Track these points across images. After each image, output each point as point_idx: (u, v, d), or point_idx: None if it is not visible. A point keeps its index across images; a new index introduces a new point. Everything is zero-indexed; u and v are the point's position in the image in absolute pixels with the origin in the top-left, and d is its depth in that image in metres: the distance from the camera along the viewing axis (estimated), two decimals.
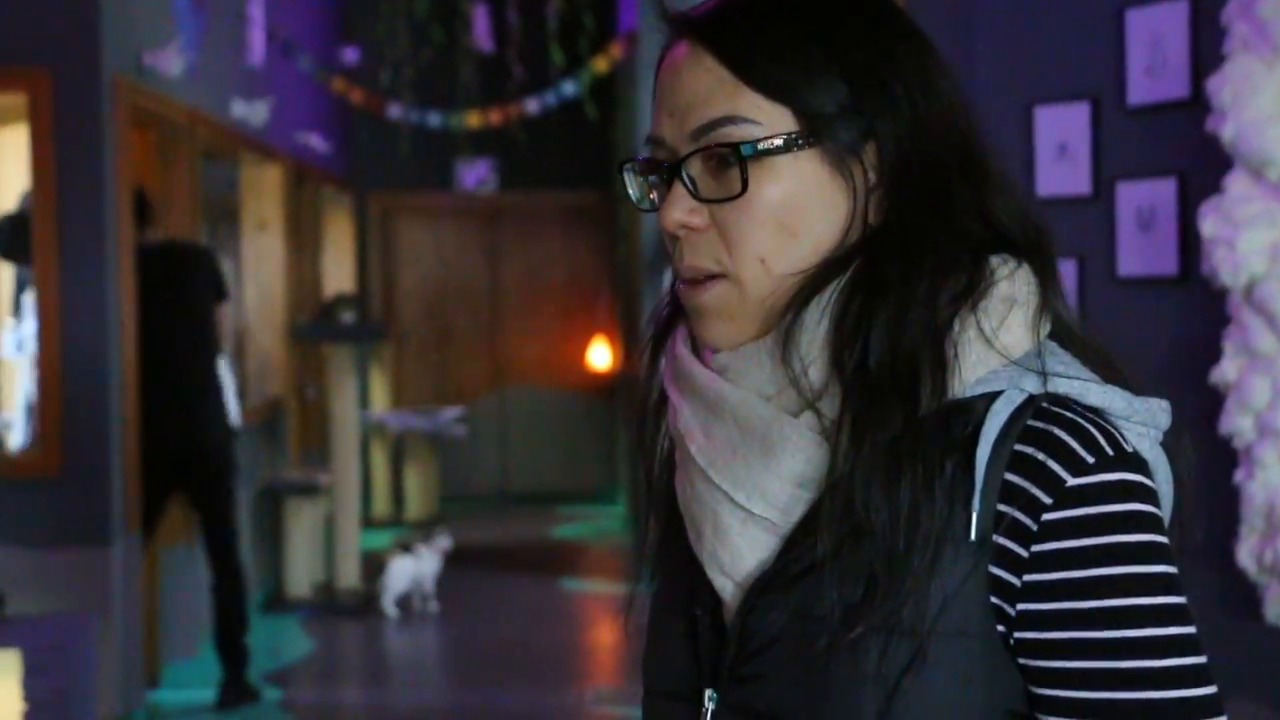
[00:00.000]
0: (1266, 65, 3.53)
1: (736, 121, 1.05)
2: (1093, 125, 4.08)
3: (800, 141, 1.05)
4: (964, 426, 1.03)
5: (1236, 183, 3.58)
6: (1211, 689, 1.00)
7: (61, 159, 5.29)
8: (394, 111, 9.22)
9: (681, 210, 1.07)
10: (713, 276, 1.08)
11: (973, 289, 1.05)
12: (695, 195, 1.07)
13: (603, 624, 7.88)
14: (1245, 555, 3.62)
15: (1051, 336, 1.09)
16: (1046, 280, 1.08)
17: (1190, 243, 3.79)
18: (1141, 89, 3.96)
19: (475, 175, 11.14)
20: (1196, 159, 3.78)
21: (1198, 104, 3.75)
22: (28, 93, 5.28)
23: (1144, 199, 3.94)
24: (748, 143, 1.05)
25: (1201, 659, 1.00)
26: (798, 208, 1.06)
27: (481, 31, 9.40)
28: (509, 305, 11.52)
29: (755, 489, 1.05)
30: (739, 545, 1.07)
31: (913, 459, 1.02)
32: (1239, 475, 3.62)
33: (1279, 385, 3.54)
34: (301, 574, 7.75)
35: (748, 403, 1.07)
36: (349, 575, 7.79)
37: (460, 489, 11.05)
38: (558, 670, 6.73)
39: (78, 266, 5.32)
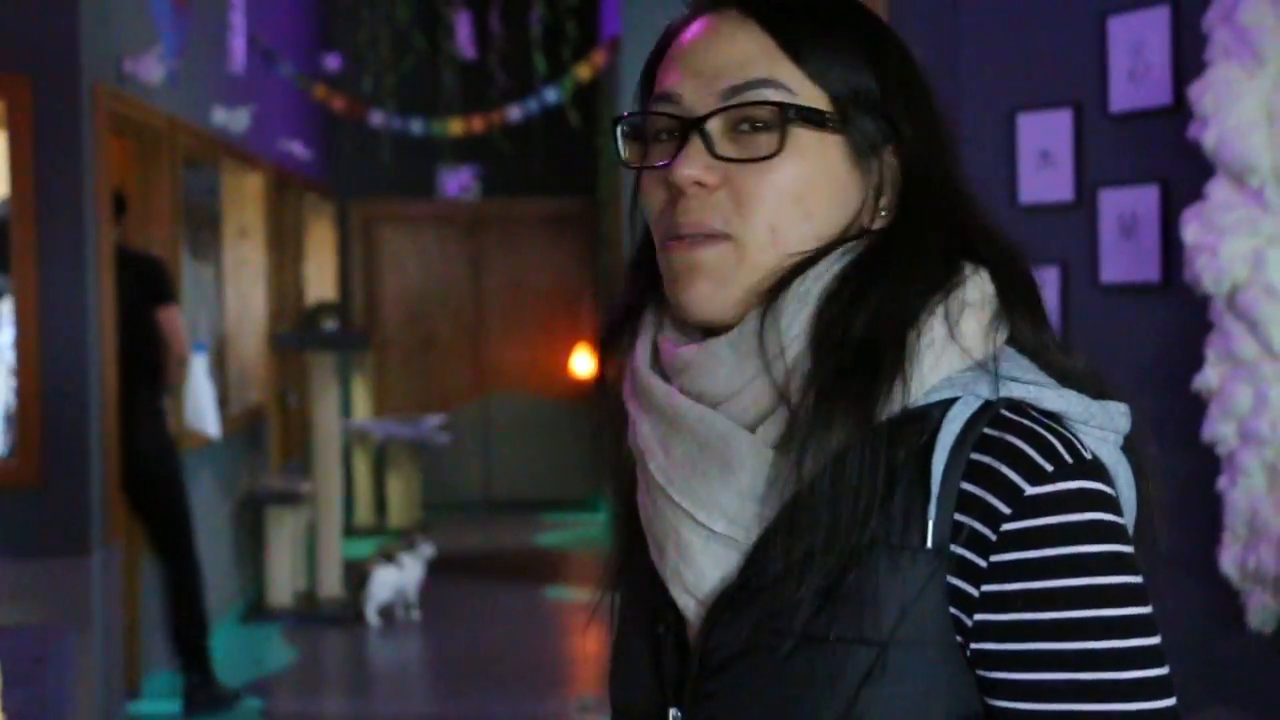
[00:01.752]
0: (1247, 72, 3.53)
1: (776, 86, 1.06)
2: (1075, 132, 4.08)
3: (832, 122, 1.06)
4: (919, 434, 1.02)
5: (1218, 190, 3.58)
6: (1171, 701, 0.99)
7: (41, 167, 5.26)
8: (376, 119, 9.20)
9: (697, 166, 1.07)
10: (714, 236, 1.07)
11: (941, 287, 1.06)
12: (713, 153, 1.07)
13: (586, 632, 7.86)
14: (1228, 563, 3.61)
15: (1009, 342, 1.08)
16: (1006, 289, 1.08)
17: (1172, 250, 3.79)
18: (1124, 96, 3.96)
19: (458, 182, 11.12)
20: (1179, 166, 3.78)
21: (1180, 111, 3.75)
22: (7, 100, 5.25)
23: (1126, 206, 3.94)
24: (790, 105, 1.05)
25: (1163, 670, 0.99)
26: (816, 188, 1.07)
27: (464, 38, 9.39)
28: (492, 312, 11.50)
29: (715, 507, 1.05)
30: (702, 563, 1.06)
31: (867, 467, 1.01)
32: (1221, 482, 3.62)
33: (1261, 392, 3.54)
34: (283, 583, 7.71)
35: (705, 419, 1.06)
36: (331, 584, 7.76)
37: (443, 497, 11.03)
38: (541, 678, 6.71)
39: (57, 275, 5.29)
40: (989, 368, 1.04)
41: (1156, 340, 3.87)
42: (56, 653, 4.70)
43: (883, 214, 1.09)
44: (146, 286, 5.86)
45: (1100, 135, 4.03)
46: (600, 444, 1.19)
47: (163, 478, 5.98)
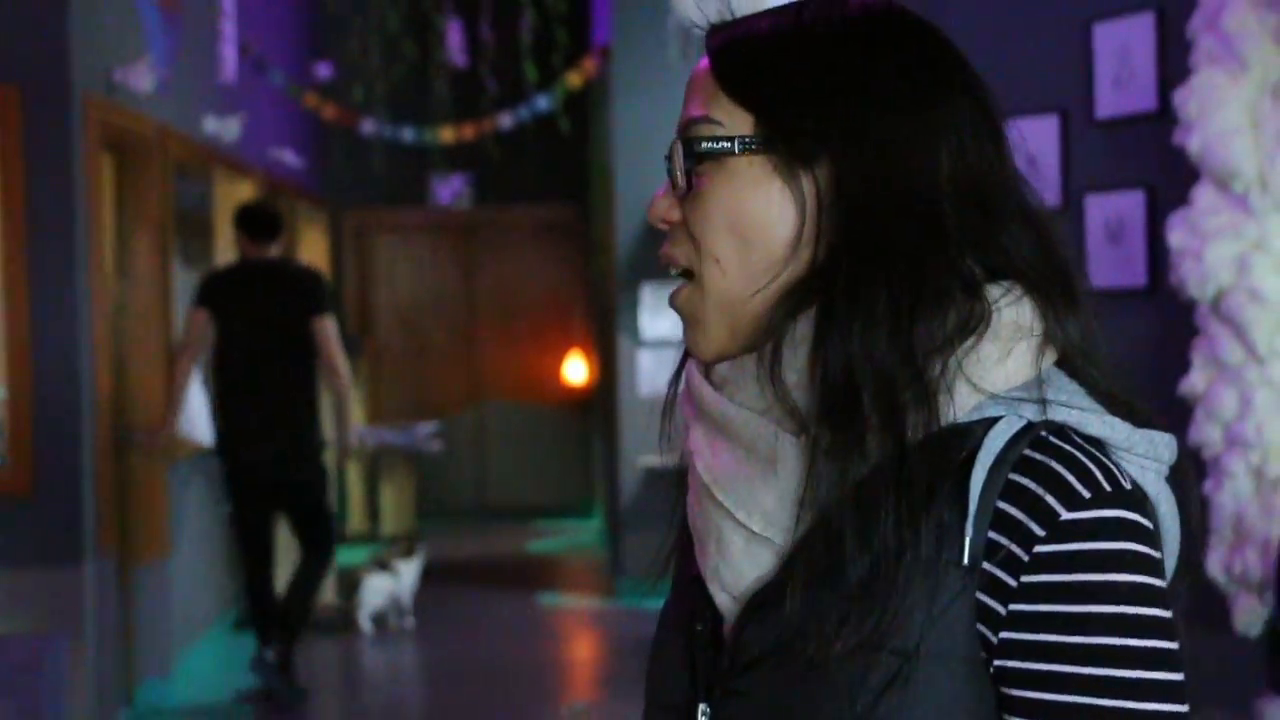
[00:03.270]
0: (1232, 78, 3.55)
1: (707, 121, 1.11)
2: (1061, 138, 4.10)
3: (752, 145, 1.09)
4: (960, 450, 1.04)
5: (1203, 195, 3.60)
6: None
7: (31, 177, 5.27)
8: (367, 127, 9.21)
9: (662, 205, 1.14)
10: (686, 274, 1.13)
11: (964, 327, 1.05)
12: (675, 189, 1.13)
13: (579, 638, 7.86)
14: (1215, 565, 3.63)
15: (1059, 365, 1.09)
16: (1058, 310, 1.09)
17: (1158, 255, 3.81)
18: (1109, 102, 3.98)
19: (449, 190, 11.13)
20: (1164, 171, 3.80)
21: (1165, 117, 3.77)
22: None
23: (1112, 211, 3.96)
24: (703, 139, 1.10)
25: (1183, 708, 1.00)
26: (747, 212, 1.09)
27: (455, 46, 9.40)
28: (484, 320, 11.51)
29: (756, 507, 1.07)
30: (740, 562, 1.09)
31: (898, 486, 1.02)
32: (1208, 486, 3.63)
33: (1246, 396, 3.55)
34: (277, 590, 7.70)
35: (751, 422, 1.08)
36: (324, 591, 7.75)
37: (436, 504, 11.03)
38: (534, 685, 6.71)
39: (48, 285, 5.29)
40: (1035, 390, 1.06)
41: (1142, 345, 3.88)
42: (49, 661, 4.70)
43: (842, 229, 1.08)
44: (305, 299, 6.30)
45: (1086, 141, 4.05)
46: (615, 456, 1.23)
47: (315, 478, 6.37)
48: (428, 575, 7.83)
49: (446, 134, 9.33)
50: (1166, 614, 1.01)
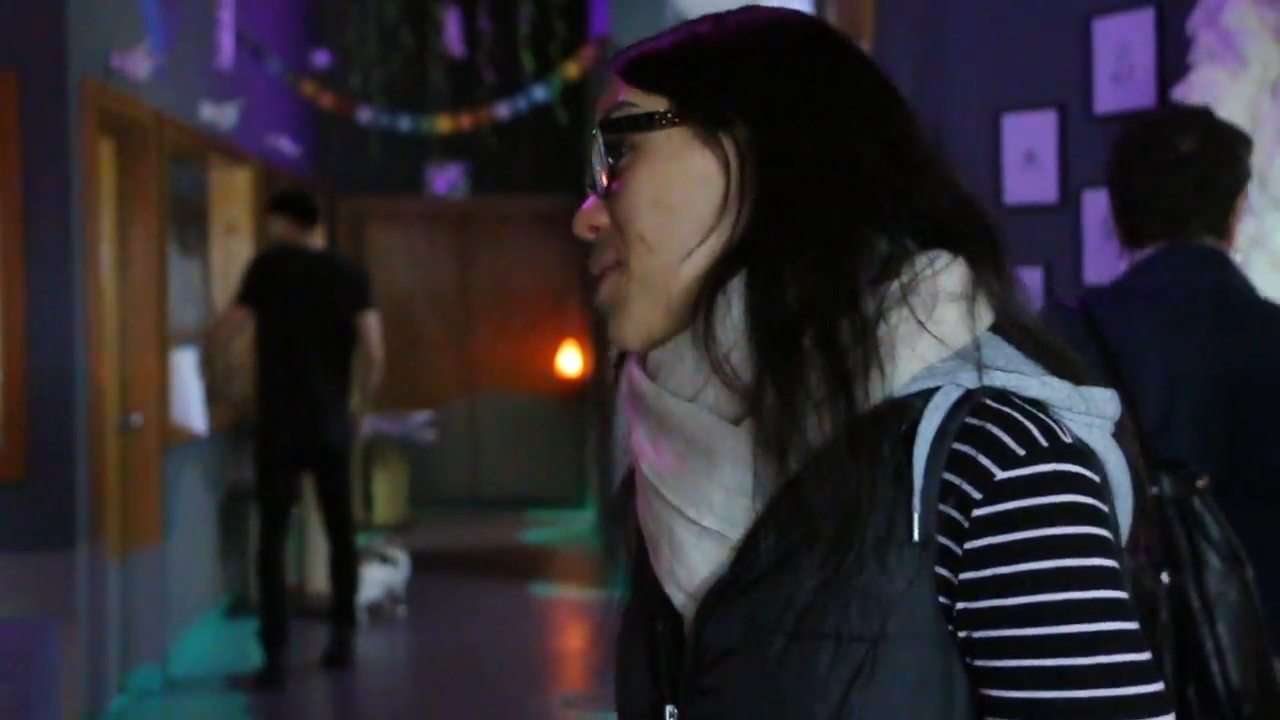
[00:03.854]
0: (1231, 75, 3.55)
1: (622, 106, 1.12)
2: (1060, 133, 4.09)
3: (668, 117, 1.10)
4: (900, 425, 1.03)
5: None
6: (1155, 686, 0.99)
7: (27, 161, 5.26)
8: (364, 115, 9.20)
9: (587, 214, 1.13)
10: (609, 269, 1.12)
11: (897, 275, 1.05)
12: (598, 194, 1.13)
13: (572, 629, 7.87)
14: None
15: (994, 330, 1.09)
16: (987, 272, 1.08)
17: None
18: (1108, 97, 3.97)
19: (446, 179, 11.12)
20: None
21: None
22: None
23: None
24: (621, 117, 1.11)
25: (1143, 655, 0.99)
26: (669, 183, 1.09)
27: (452, 36, 9.38)
28: (479, 309, 11.50)
29: (705, 503, 1.06)
30: (694, 560, 1.07)
31: (852, 460, 1.01)
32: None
33: None
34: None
35: (690, 414, 1.07)
36: (318, 579, 7.76)
37: (430, 493, 11.03)
38: (527, 675, 6.71)
39: (43, 270, 5.29)
40: (970, 356, 1.05)
41: None
42: (41, 646, 4.70)
43: (766, 185, 1.09)
44: (356, 292, 6.61)
45: (1085, 136, 4.04)
46: (608, 447, 1.22)
47: (345, 467, 6.70)
48: (421, 565, 7.82)
49: (443, 123, 9.32)
50: (1113, 563, 1.00)
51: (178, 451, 6.65)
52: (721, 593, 1.05)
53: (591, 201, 1.13)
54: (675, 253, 1.09)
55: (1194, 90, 3.57)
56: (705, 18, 1.15)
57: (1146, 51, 3.87)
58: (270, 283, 6.42)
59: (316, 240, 6.74)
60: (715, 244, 1.08)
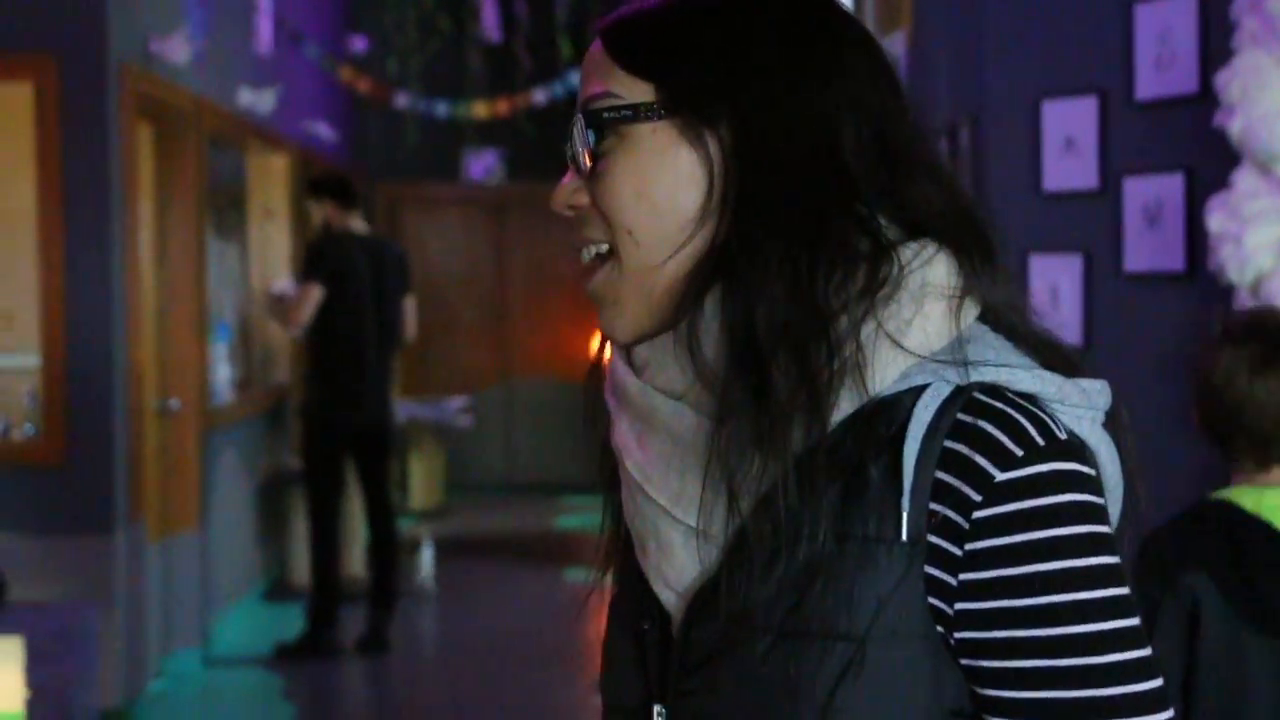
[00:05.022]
0: (1276, 60, 3.51)
1: (606, 96, 1.09)
2: (1100, 120, 4.06)
3: (655, 110, 1.07)
4: (889, 425, 1.01)
5: (1244, 179, 3.56)
6: (1155, 683, 0.99)
7: (67, 147, 5.29)
8: (401, 101, 9.21)
9: (567, 191, 1.12)
10: (601, 257, 1.10)
11: (872, 285, 1.03)
12: (579, 173, 1.11)
13: (605, 615, 7.87)
14: None
15: (983, 321, 1.07)
16: (975, 264, 1.06)
17: (1197, 239, 3.78)
18: (1149, 83, 3.94)
19: (482, 165, 11.12)
20: (1204, 154, 3.77)
21: (1206, 99, 3.73)
22: (33, 80, 5.28)
23: (1151, 194, 3.93)
24: (604, 110, 1.08)
25: (1144, 652, 0.99)
26: (654, 180, 1.07)
27: (489, 21, 9.39)
28: (515, 296, 11.51)
29: (690, 502, 1.05)
30: (682, 558, 1.06)
31: (831, 465, 1.00)
32: None
33: None
34: (305, 561, 7.73)
35: (676, 412, 1.06)
36: (353, 563, 7.79)
37: (466, 479, 11.05)
38: (559, 659, 6.72)
39: (83, 255, 5.31)
40: (958, 351, 1.03)
41: (1180, 330, 3.85)
42: (79, 629, 4.73)
43: (744, 186, 1.06)
44: (403, 277, 6.81)
45: (1125, 123, 4.01)
46: (592, 441, 1.20)
47: (390, 452, 6.84)
48: (456, 550, 7.84)
49: (480, 109, 9.32)
50: (1115, 560, 1.00)
51: (216, 435, 6.68)
52: (709, 593, 1.04)
53: (570, 178, 1.12)
54: (660, 250, 1.07)
55: (1237, 76, 3.53)
56: None
57: (1189, 37, 3.84)
58: (335, 265, 6.47)
59: (358, 223, 6.76)
60: (699, 244, 1.07)
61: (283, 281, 7.80)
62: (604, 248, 1.10)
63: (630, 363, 1.11)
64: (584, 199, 1.10)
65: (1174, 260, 3.87)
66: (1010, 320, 1.08)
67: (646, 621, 1.11)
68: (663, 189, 1.07)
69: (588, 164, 1.10)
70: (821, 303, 1.02)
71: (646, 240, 1.07)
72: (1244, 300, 3.60)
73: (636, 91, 1.08)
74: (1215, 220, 3.57)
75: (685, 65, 1.07)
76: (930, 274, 1.05)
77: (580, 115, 1.10)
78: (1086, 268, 4.07)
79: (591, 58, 1.12)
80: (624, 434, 1.10)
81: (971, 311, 1.06)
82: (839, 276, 1.02)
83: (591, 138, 1.09)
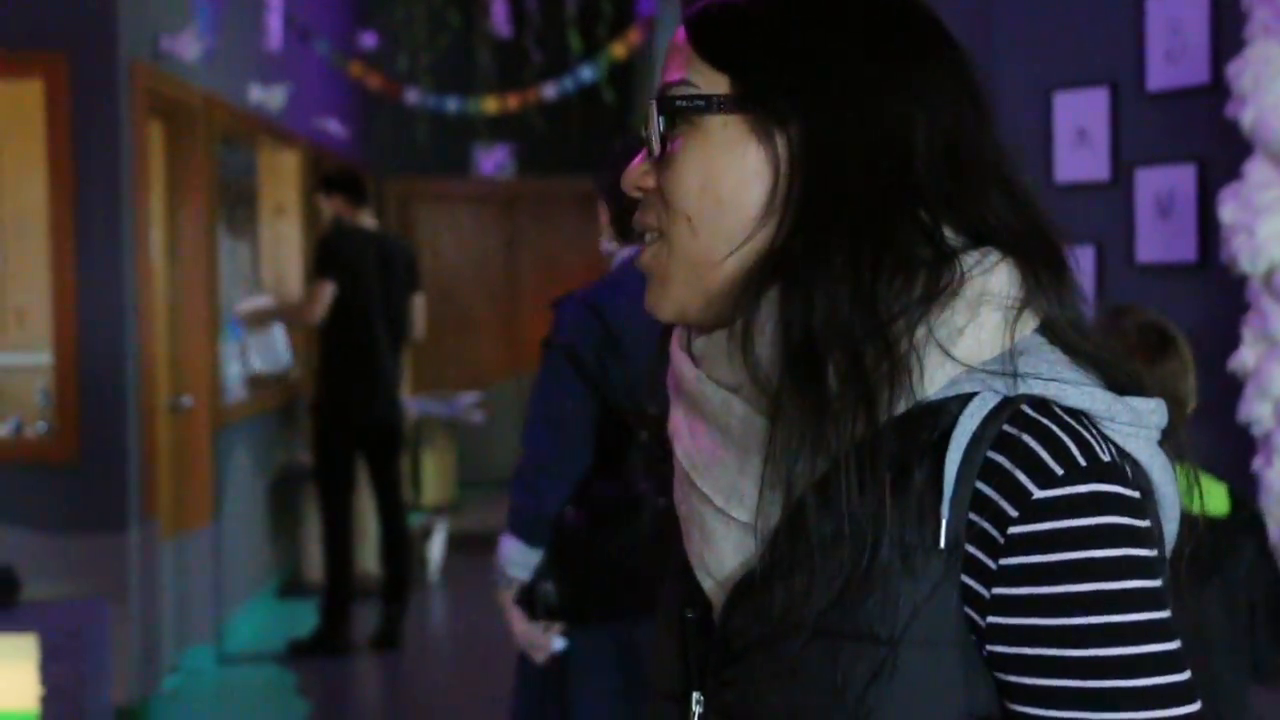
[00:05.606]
0: None
1: (683, 84, 1.09)
2: (1112, 111, 4.06)
3: (726, 103, 1.07)
4: (933, 430, 1.01)
5: (1256, 169, 3.55)
6: (1192, 707, 0.98)
7: (78, 144, 5.29)
8: (411, 97, 9.21)
9: (636, 173, 1.12)
10: (655, 236, 1.11)
11: (931, 292, 1.03)
12: (650, 155, 1.11)
13: None
14: None
15: (1042, 334, 1.07)
16: (1040, 277, 1.06)
17: (1209, 229, 3.77)
18: (1161, 74, 3.93)
19: (493, 161, 11.12)
20: (1216, 145, 3.76)
21: (1218, 90, 3.73)
22: (44, 78, 5.28)
23: (1163, 185, 3.92)
24: (678, 98, 1.09)
25: (1181, 676, 0.98)
26: (720, 173, 1.07)
27: (499, 17, 9.38)
28: (527, 291, 11.51)
29: (735, 493, 1.05)
30: (723, 548, 1.07)
31: (875, 467, 1.00)
32: (1257, 462, 3.60)
33: None
34: (318, 558, 7.75)
35: (727, 403, 1.06)
36: (366, 559, 7.79)
37: (478, 474, 11.06)
38: None
39: (94, 252, 5.32)
40: (1009, 362, 1.03)
41: (1192, 320, 3.85)
42: (93, 627, 4.74)
43: (811, 190, 1.06)
44: (412, 274, 6.83)
45: (1137, 114, 4.01)
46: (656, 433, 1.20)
47: (399, 445, 6.86)
48: (467, 544, 7.83)
49: (490, 104, 9.32)
50: (1153, 583, 0.99)
51: (228, 432, 6.69)
52: (749, 585, 1.05)
53: (641, 160, 1.12)
54: (720, 243, 1.07)
55: (1249, 66, 3.52)
56: None
57: (1200, 28, 3.83)
58: (346, 261, 6.49)
59: (369, 219, 6.77)
60: (760, 242, 1.07)
61: (257, 299, 7.52)
62: (657, 235, 1.11)
63: (690, 353, 1.12)
64: (651, 181, 1.11)
65: (1186, 251, 3.87)
66: (1069, 336, 1.07)
67: (690, 609, 1.12)
68: (728, 183, 1.07)
69: (658, 148, 1.10)
70: (881, 307, 1.02)
71: (705, 231, 1.08)
72: (1257, 291, 3.59)
73: (713, 83, 1.08)
74: (1227, 211, 3.56)
75: (762, 62, 1.07)
76: (990, 283, 1.04)
77: (654, 100, 1.11)
78: (1099, 259, 4.06)
79: (674, 44, 1.13)
80: (678, 421, 1.11)
81: (1030, 323, 1.06)
82: (900, 282, 1.03)
83: (663, 123, 1.10)
